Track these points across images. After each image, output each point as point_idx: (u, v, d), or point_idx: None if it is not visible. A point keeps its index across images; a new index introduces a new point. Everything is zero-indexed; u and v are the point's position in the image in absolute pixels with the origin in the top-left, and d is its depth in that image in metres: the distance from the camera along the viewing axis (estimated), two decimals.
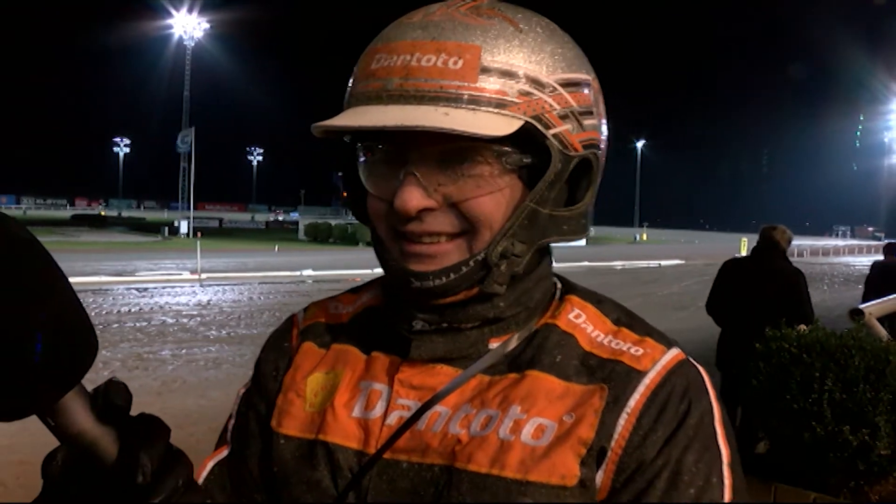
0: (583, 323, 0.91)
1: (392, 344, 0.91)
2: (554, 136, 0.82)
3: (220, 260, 26.69)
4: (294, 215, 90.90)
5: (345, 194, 0.98)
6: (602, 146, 0.90)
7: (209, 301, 15.92)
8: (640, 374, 0.83)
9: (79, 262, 23.95)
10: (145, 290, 17.67)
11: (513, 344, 0.89)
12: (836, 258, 49.14)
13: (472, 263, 0.83)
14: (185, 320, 13.18)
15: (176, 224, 48.28)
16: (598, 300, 0.95)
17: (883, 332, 4.49)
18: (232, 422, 1.03)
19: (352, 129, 0.83)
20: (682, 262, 37.78)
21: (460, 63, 0.79)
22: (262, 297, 16.75)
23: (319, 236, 43.74)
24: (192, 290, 17.82)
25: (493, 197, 0.82)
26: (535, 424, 0.81)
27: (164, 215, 79.58)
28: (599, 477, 0.80)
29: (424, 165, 0.81)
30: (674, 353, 0.87)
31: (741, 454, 0.85)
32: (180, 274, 21.35)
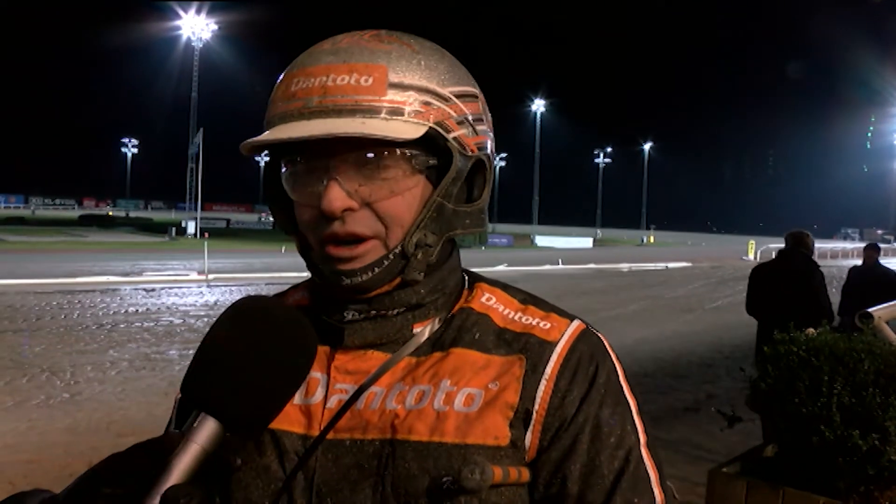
0: (494, 304, 1.04)
1: (325, 336, 0.99)
2: (454, 138, 0.96)
3: (227, 260, 26.73)
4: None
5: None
6: (490, 149, 1.04)
7: (216, 301, 15.96)
8: (552, 345, 0.97)
9: (87, 262, 24.04)
10: (153, 290, 17.72)
11: (434, 327, 1.00)
12: (845, 261, 48.94)
13: (391, 257, 0.95)
14: (192, 321, 13.23)
15: (183, 224, 48.25)
16: (503, 286, 1.09)
17: (893, 335, 4.47)
18: (171, 428, 1.09)
19: (281, 142, 0.92)
20: (689, 264, 37.72)
21: (370, 80, 0.92)
22: None
23: None
24: (199, 291, 17.89)
25: (404, 198, 0.94)
26: (465, 394, 0.93)
27: (172, 216, 79.64)
28: (528, 438, 0.92)
29: (344, 171, 0.92)
30: (577, 324, 1.01)
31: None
32: (187, 274, 21.42)
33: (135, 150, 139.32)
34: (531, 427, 0.92)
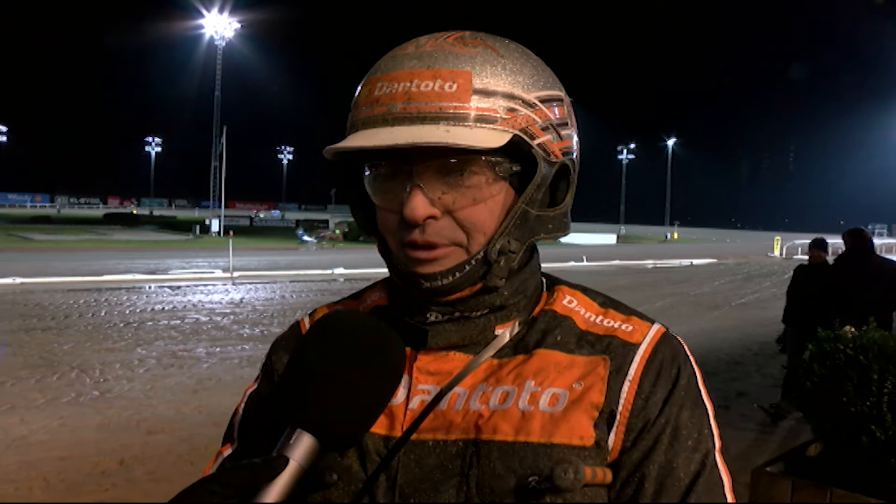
0: (576, 307, 1.04)
1: (406, 337, 0.99)
2: (538, 145, 0.95)
3: (251, 258, 26.86)
4: (275, 213, 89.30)
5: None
6: (576, 153, 1.03)
7: (242, 299, 16.03)
8: (635, 346, 0.97)
9: (112, 261, 24.23)
10: (178, 288, 17.82)
11: (516, 329, 1.00)
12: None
13: (473, 262, 0.95)
14: (218, 318, 13.27)
15: (207, 222, 48.58)
16: (583, 289, 1.09)
17: None
18: (238, 418, 1.11)
19: (366, 150, 0.92)
20: (714, 261, 37.48)
21: (455, 87, 0.91)
22: (294, 296, 16.83)
23: (350, 234, 43.65)
24: (224, 289, 17.96)
25: (487, 205, 0.94)
26: (550, 394, 0.93)
27: (196, 214, 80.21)
28: (611, 438, 0.92)
29: (427, 178, 0.92)
30: (658, 327, 1.01)
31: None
32: (212, 272, 21.54)
33: (158, 149, 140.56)
34: (615, 428, 0.93)
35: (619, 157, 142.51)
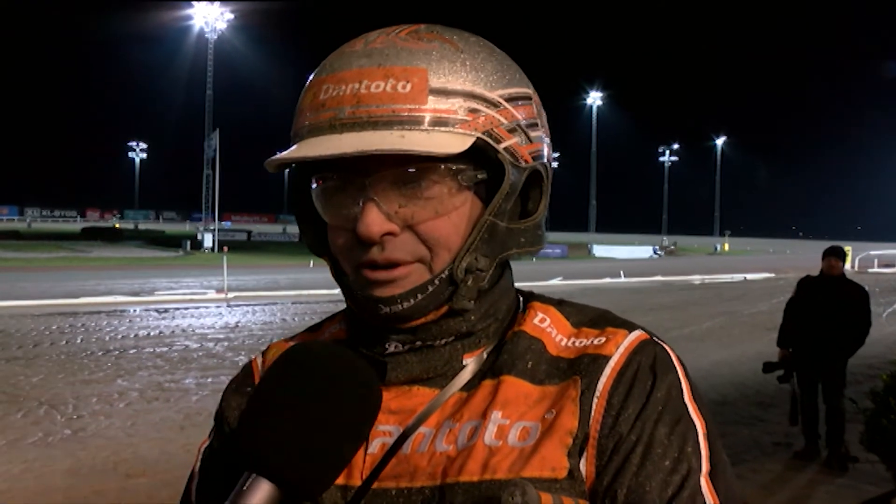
0: (548, 327, 1.02)
1: None
2: (505, 149, 0.94)
3: (248, 277, 26.98)
4: (226, 224, 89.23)
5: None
6: (547, 157, 1.03)
7: (237, 323, 16.07)
8: (606, 359, 0.95)
9: (91, 281, 24.35)
10: (166, 311, 17.88)
11: (483, 358, 0.99)
12: None
13: (437, 282, 0.94)
14: (210, 345, 13.29)
15: (199, 237, 48.92)
16: (558, 302, 1.08)
17: None
18: (195, 482, 1.09)
19: (309, 160, 0.91)
20: (772, 275, 37.30)
21: (409, 87, 0.90)
22: (295, 319, 16.83)
23: None
24: (217, 311, 18.03)
25: (450, 218, 0.93)
26: (520, 427, 0.92)
27: (186, 228, 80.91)
28: (583, 465, 0.90)
29: (382, 190, 0.91)
30: (637, 335, 0.98)
31: None
32: (205, 293, 21.65)
33: (143, 155, 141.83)
34: (585, 452, 0.91)
35: (661, 158, 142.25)
